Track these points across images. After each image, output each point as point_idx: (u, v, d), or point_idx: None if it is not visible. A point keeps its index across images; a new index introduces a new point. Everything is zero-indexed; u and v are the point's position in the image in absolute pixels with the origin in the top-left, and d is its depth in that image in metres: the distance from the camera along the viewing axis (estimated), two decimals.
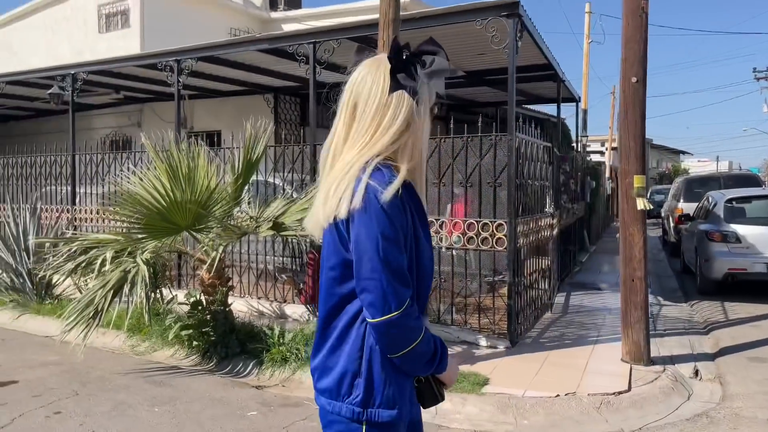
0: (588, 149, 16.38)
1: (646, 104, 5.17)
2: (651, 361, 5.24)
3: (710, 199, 9.68)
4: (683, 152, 54.30)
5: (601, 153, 26.37)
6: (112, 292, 4.91)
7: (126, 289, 4.93)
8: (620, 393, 4.55)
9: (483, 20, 5.65)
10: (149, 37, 13.25)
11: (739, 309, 7.72)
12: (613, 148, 29.86)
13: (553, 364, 5.18)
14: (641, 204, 5.12)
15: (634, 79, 5.11)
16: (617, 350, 5.50)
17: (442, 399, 1.64)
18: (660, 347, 5.76)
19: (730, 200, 8.89)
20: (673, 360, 5.46)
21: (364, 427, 1.53)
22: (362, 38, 6.74)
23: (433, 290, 6.11)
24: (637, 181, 5.14)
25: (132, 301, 4.97)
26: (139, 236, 5.44)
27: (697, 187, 13.82)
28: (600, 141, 29.67)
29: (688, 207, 12.70)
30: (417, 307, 1.53)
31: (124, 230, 5.73)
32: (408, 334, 1.48)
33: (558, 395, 4.44)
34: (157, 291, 5.82)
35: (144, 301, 4.91)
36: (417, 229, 1.54)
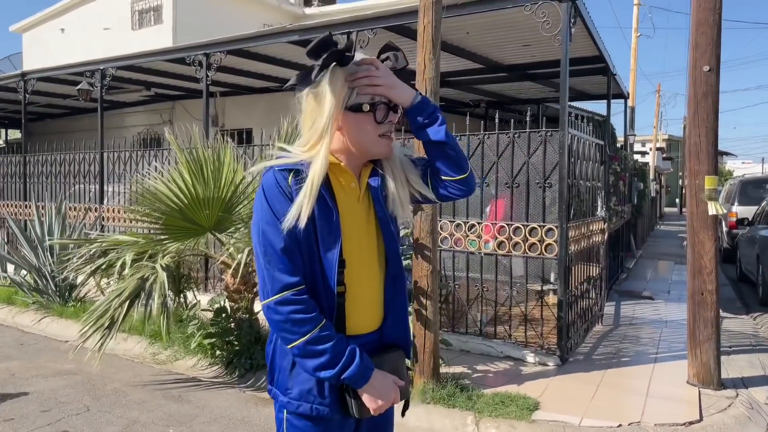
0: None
1: (719, 96, 4.59)
2: (721, 385, 4.66)
3: None
4: (726, 153, 52.48)
5: (642, 153, 25.44)
6: (128, 301, 4.55)
7: (143, 298, 4.56)
8: (691, 423, 3.99)
9: (533, 4, 5.14)
10: (182, 33, 13.03)
11: None
12: (658, 149, 28.83)
13: (610, 386, 4.64)
14: (713, 208, 4.54)
15: (706, 68, 4.54)
16: (681, 370, 4.94)
17: (355, 415, 1.58)
18: (728, 367, 5.16)
19: None
20: (744, 383, 4.86)
21: (285, 414, 1.63)
22: (399, 27, 6.29)
23: (474, 299, 5.63)
24: (709, 182, 4.57)
25: (150, 310, 4.61)
26: (161, 237, 5.10)
27: (752, 189, 13.01)
28: (641, 141, 28.69)
29: (743, 210, 11.94)
30: (314, 302, 1.54)
31: (146, 231, 5.40)
32: (291, 326, 1.51)
33: (620, 425, 3.91)
34: (180, 296, 5.48)
35: (161, 310, 4.53)
36: (316, 221, 1.55)
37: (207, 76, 7.60)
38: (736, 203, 12.62)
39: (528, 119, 5.37)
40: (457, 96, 11.46)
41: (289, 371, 1.61)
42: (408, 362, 1.75)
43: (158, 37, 13.31)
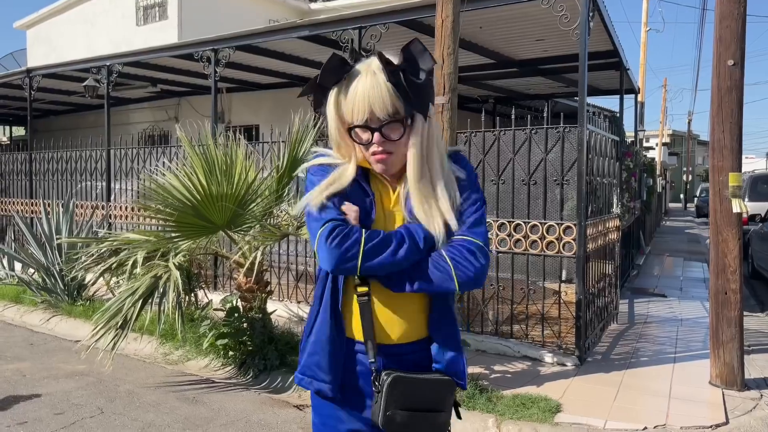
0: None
1: (743, 91, 4.49)
2: (745, 386, 4.58)
3: None
4: None
5: (648, 149, 25.32)
6: (141, 300, 4.47)
7: (156, 297, 4.48)
8: (718, 426, 3.91)
9: None
10: (187, 29, 12.94)
11: None
12: (664, 144, 28.67)
13: (631, 388, 4.55)
14: (737, 206, 4.45)
15: (730, 62, 4.44)
16: (702, 370, 4.86)
17: (379, 426, 1.53)
18: (749, 367, 5.07)
19: None
20: (767, 383, 4.78)
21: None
22: (413, 22, 6.20)
23: (490, 298, 5.55)
24: (733, 179, 4.47)
25: (163, 309, 4.53)
26: (172, 235, 5.01)
27: (763, 184, 12.90)
28: (647, 136, 28.57)
29: (753, 206, 11.81)
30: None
31: (156, 228, 5.32)
32: (344, 242, 1.50)
33: (646, 428, 3.82)
34: (192, 295, 5.41)
35: (176, 310, 4.45)
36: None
37: (215, 71, 7.51)
38: (746, 199, 12.50)
39: (546, 115, 5.28)
40: (466, 92, 11.35)
41: (307, 350, 1.65)
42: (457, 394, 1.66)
43: (163, 33, 13.21)
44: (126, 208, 8.18)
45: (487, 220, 5.36)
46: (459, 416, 1.70)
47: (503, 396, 4.24)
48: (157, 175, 5.27)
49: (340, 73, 1.54)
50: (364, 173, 1.63)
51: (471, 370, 4.78)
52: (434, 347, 1.62)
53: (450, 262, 1.54)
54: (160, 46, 8.79)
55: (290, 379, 4.75)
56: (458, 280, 1.53)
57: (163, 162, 6.95)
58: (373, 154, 1.56)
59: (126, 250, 5.04)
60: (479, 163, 5.44)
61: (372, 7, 6.53)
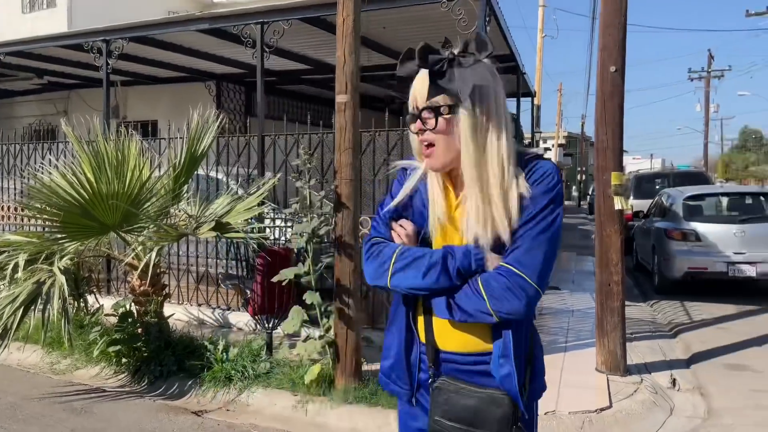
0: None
1: (624, 96, 4.81)
2: (627, 371, 4.91)
3: (667, 196, 9.56)
4: None
5: (544, 150, 26.63)
6: (23, 308, 4.16)
7: (40, 304, 4.19)
8: (602, 410, 4.16)
9: (449, 1, 5.17)
10: (77, 18, 12.21)
11: (700, 309, 7.57)
12: (560, 145, 30.28)
13: None
14: (619, 203, 4.76)
15: (612, 68, 4.74)
16: (589, 357, 5.15)
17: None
18: (631, 353, 5.44)
19: (688, 198, 8.76)
20: (647, 368, 5.15)
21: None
22: (316, 19, 6.17)
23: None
24: (615, 178, 4.78)
25: (48, 316, 4.24)
26: (58, 236, 4.70)
27: (646, 183, 13.88)
28: (543, 138, 30.02)
29: (638, 204, 12.67)
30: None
31: (43, 230, 4.98)
32: (376, 258, 1.59)
33: None
34: (81, 300, 5.10)
35: (61, 316, 4.18)
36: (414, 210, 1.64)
37: (107, 64, 7.13)
38: (631, 197, 13.40)
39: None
40: (373, 92, 11.43)
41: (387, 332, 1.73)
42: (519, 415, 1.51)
43: (51, 22, 12.39)
44: (7, 208, 7.60)
45: None
46: None
47: None
48: (42, 172, 4.94)
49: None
50: (431, 177, 1.61)
51: (375, 367, 4.81)
52: (492, 359, 1.52)
53: (485, 295, 1.46)
54: (46, 35, 8.22)
55: (190, 384, 4.60)
56: (497, 316, 1.45)
57: (50, 159, 6.51)
58: (423, 146, 1.56)
59: (6, 252, 4.68)
60: (383, 162, 5.49)
61: (274, 2, 6.42)
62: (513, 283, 1.43)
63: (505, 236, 1.46)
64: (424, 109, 1.51)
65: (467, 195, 1.50)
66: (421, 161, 1.60)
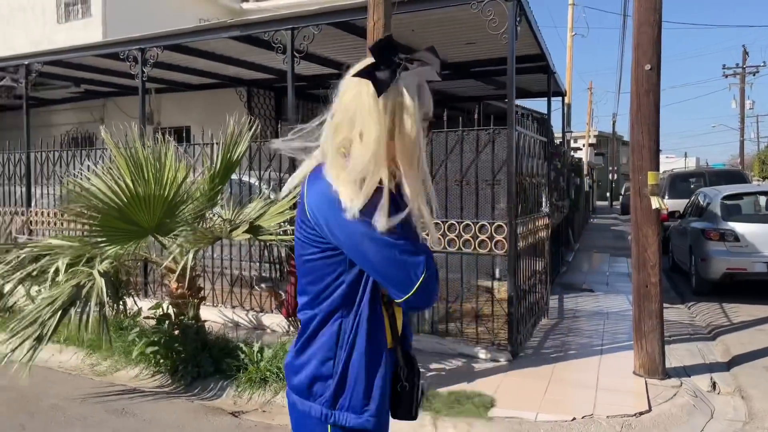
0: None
1: (660, 94, 4.73)
2: (666, 374, 4.82)
3: (704, 196, 9.37)
4: None
5: (575, 150, 26.29)
6: (62, 310, 4.26)
7: (78, 306, 4.29)
8: (641, 414, 4.10)
9: (479, 2, 5.15)
10: (112, 28, 12.46)
11: (740, 311, 7.38)
12: (591, 144, 29.84)
13: (561, 381, 4.71)
14: (656, 203, 4.68)
15: (647, 67, 4.67)
16: (626, 361, 5.08)
17: (415, 417, 1.63)
18: (670, 356, 5.34)
19: (726, 197, 8.57)
20: (687, 371, 5.05)
21: (329, 428, 1.54)
22: (346, 24, 6.20)
23: None
24: (652, 178, 4.70)
25: (87, 318, 4.34)
26: (98, 240, 4.82)
27: (681, 182, 13.61)
28: (574, 137, 29.66)
29: (673, 203, 12.43)
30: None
31: (83, 234, 5.10)
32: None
33: (574, 418, 3.97)
34: (120, 302, 5.21)
35: (99, 320, 4.28)
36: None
37: (143, 72, 7.28)
38: (666, 197, 13.15)
39: (477, 117, 5.39)
40: None
41: (357, 381, 1.53)
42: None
43: (87, 32, 12.69)
44: (48, 213, 7.81)
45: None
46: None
47: (439, 393, 4.31)
48: (81, 178, 5.06)
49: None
50: None
51: None
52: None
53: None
54: (83, 44, 8.42)
55: (226, 385, 4.66)
56: None
57: (88, 165, 6.67)
58: None
59: (48, 256, 4.82)
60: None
61: (304, 8, 6.48)
62: None
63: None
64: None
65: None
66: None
